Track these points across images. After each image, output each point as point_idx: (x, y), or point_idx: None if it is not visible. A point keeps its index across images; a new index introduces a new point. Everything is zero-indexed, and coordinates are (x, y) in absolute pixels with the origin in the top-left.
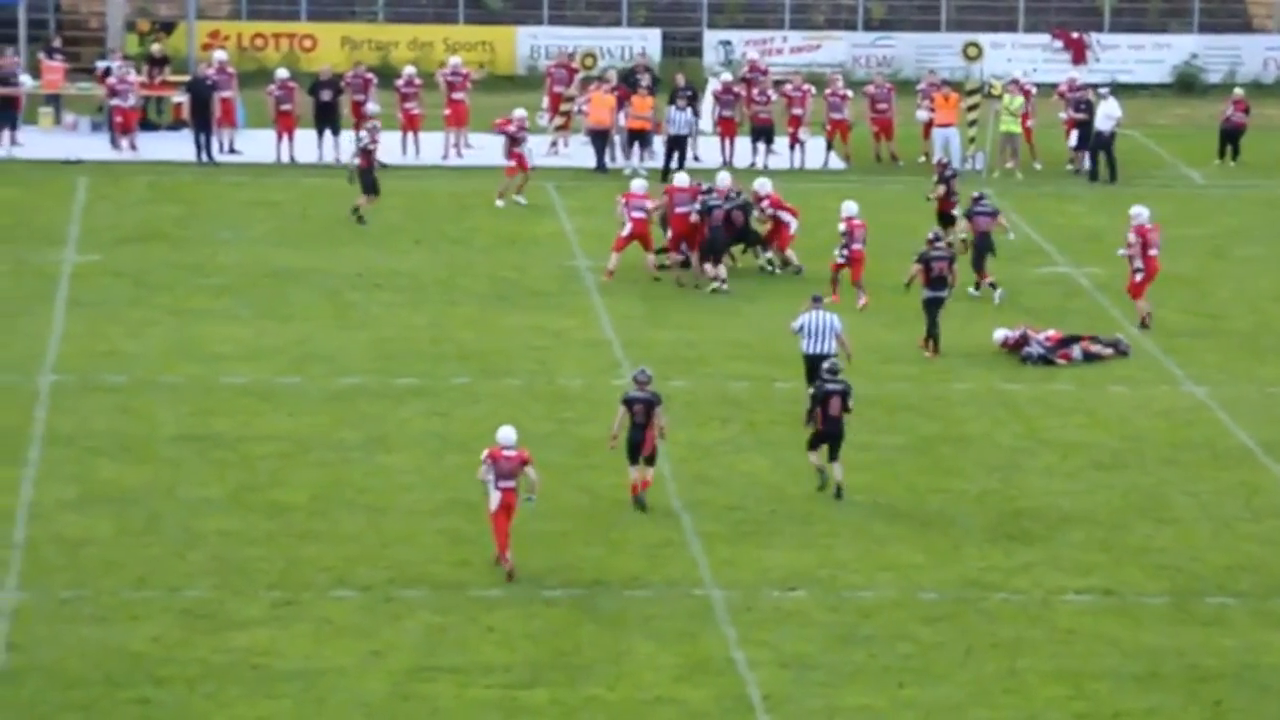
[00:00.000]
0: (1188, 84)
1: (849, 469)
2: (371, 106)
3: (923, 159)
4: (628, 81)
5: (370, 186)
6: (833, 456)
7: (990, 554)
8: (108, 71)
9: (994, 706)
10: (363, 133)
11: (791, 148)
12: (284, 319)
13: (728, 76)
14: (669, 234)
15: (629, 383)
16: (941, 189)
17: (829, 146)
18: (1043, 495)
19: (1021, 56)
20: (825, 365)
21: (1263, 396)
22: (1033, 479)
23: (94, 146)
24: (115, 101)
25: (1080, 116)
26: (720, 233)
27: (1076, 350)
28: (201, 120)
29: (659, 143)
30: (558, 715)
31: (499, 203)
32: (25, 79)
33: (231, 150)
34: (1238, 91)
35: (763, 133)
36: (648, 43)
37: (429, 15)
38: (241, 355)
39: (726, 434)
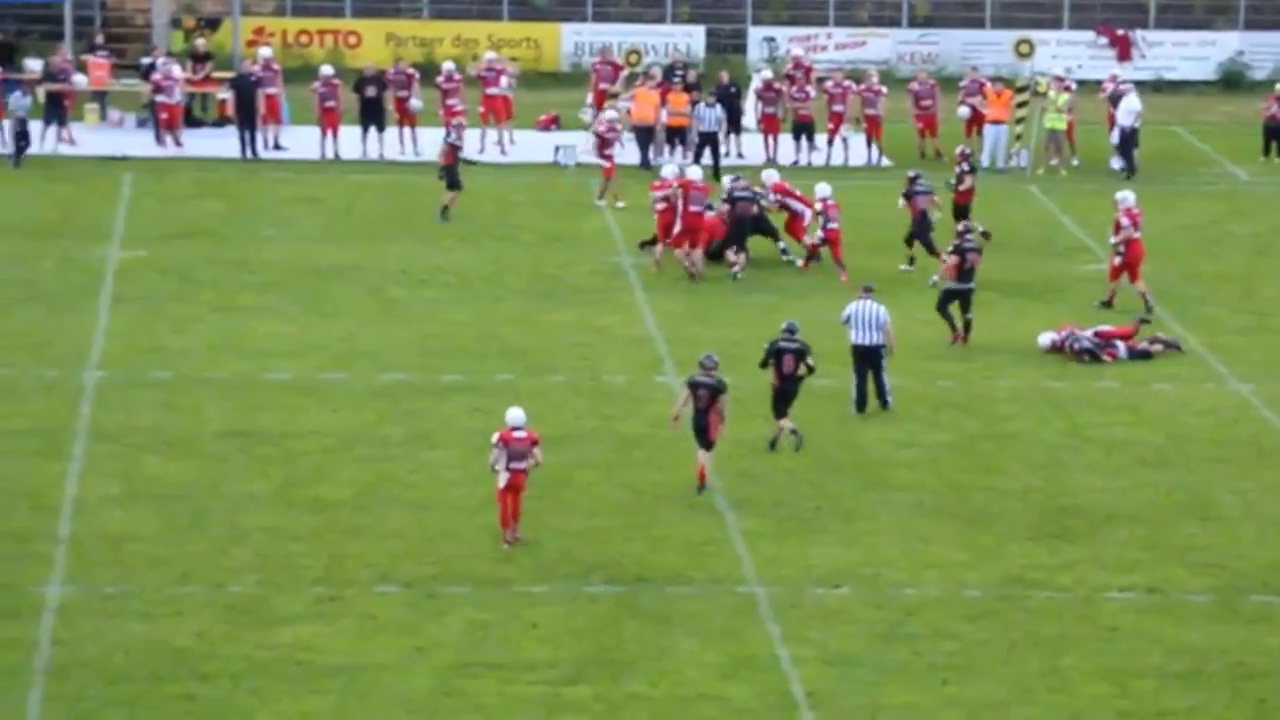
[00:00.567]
0: (1233, 81)
1: (892, 466)
2: (415, 103)
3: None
4: (670, 78)
5: (453, 183)
6: (782, 414)
7: (1034, 551)
8: (152, 68)
9: (1037, 704)
10: (450, 129)
11: (830, 144)
12: (328, 315)
13: (769, 74)
14: (677, 228)
15: (670, 380)
16: (969, 180)
17: (869, 143)
18: (1087, 493)
19: (1066, 53)
20: (784, 325)
21: None
22: (1077, 476)
23: (139, 143)
24: (160, 98)
25: None
26: (746, 223)
27: (1122, 348)
28: (246, 117)
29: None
30: (600, 712)
31: (599, 203)
32: (79, 78)
33: (276, 146)
34: None
35: (804, 129)
36: (692, 39)
37: (473, 12)
38: (286, 351)
39: (770, 431)
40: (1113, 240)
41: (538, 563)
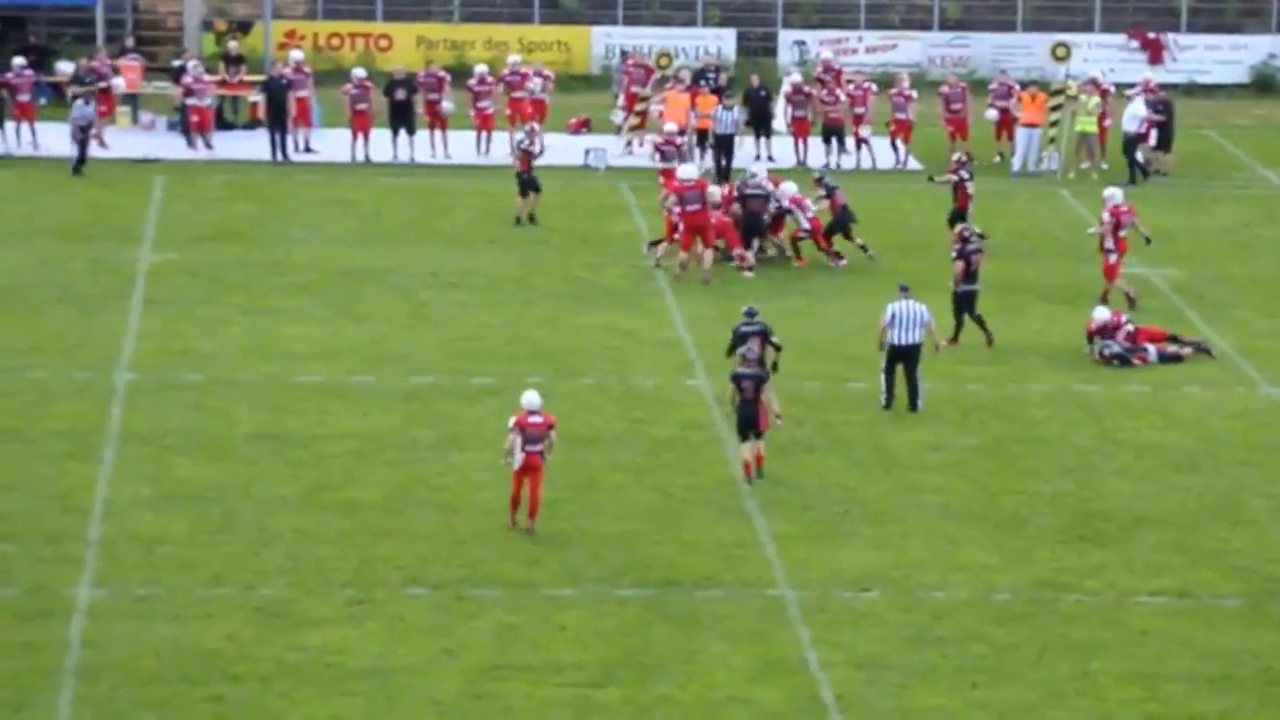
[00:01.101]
0: (1265, 84)
1: (922, 469)
2: (447, 105)
3: (997, 159)
4: (701, 81)
5: (529, 186)
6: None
7: (1064, 555)
8: (183, 71)
9: (1067, 708)
10: (520, 135)
11: (858, 147)
12: (359, 318)
13: (798, 77)
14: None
15: (700, 383)
16: (969, 186)
17: (894, 146)
18: (1117, 497)
19: (1098, 57)
20: (745, 308)
21: None
22: (1107, 480)
23: (170, 146)
24: (191, 101)
25: (1158, 118)
26: (757, 220)
27: (1153, 351)
28: (277, 119)
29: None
30: (630, 715)
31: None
32: (118, 81)
33: (307, 149)
34: None
35: (834, 133)
36: (722, 42)
37: (504, 15)
38: (316, 354)
39: (800, 434)
40: (1091, 231)
41: (567, 565)
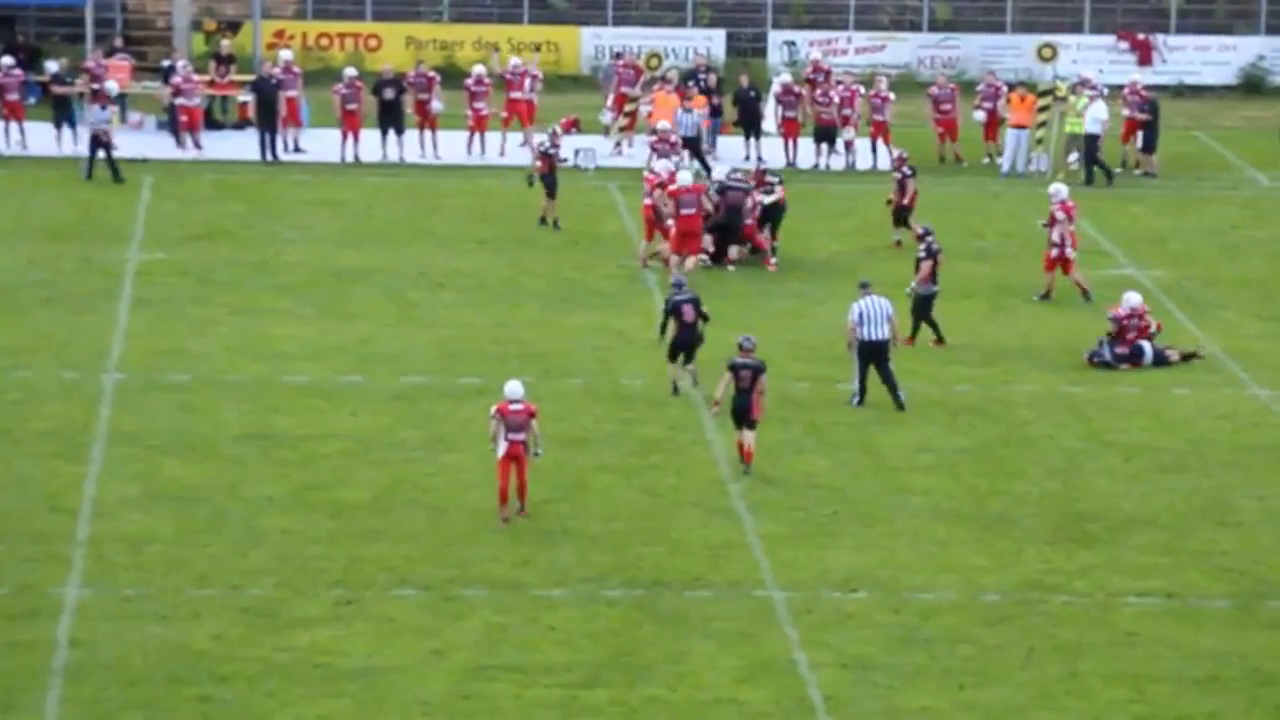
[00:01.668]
0: (1254, 86)
1: (910, 471)
2: (436, 105)
3: (986, 160)
4: (689, 82)
5: (551, 190)
6: (687, 361)
7: (1052, 556)
8: (172, 71)
9: (1055, 709)
10: (543, 136)
11: (847, 149)
12: (347, 318)
13: (788, 78)
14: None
15: (688, 385)
16: (912, 185)
17: (873, 148)
18: (1105, 498)
19: (1087, 58)
20: (674, 279)
21: None
22: (1095, 481)
23: (159, 145)
24: (180, 100)
25: (1144, 118)
26: (736, 212)
27: (1149, 352)
28: (267, 119)
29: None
30: (618, 715)
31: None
32: (110, 83)
33: (296, 149)
34: None
35: (825, 134)
36: (712, 43)
37: (493, 15)
38: (304, 354)
39: (788, 435)
40: (1042, 223)
41: (555, 566)
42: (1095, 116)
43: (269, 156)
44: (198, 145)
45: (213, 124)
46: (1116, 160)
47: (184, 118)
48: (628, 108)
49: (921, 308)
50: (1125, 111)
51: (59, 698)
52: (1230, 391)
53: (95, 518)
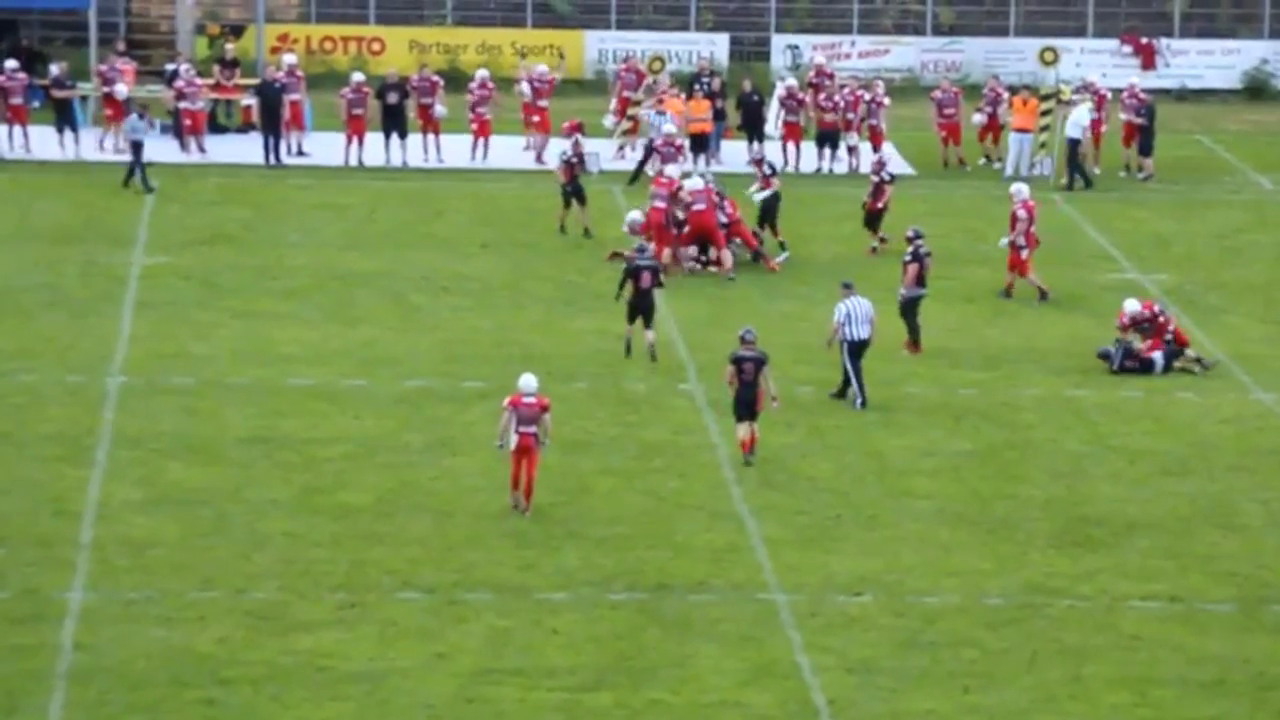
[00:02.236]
0: (1257, 89)
1: (914, 474)
2: (440, 109)
3: (983, 162)
4: (694, 86)
5: (576, 197)
6: (646, 325)
7: (1056, 560)
8: (175, 74)
9: (1059, 713)
10: (566, 145)
11: (850, 153)
12: (351, 322)
13: (793, 82)
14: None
15: (692, 388)
16: (888, 190)
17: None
18: (1109, 502)
19: (1091, 62)
20: (637, 244)
21: None
22: (1099, 485)
23: (163, 149)
24: (183, 104)
25: (1140, 122)
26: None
27: (1159, 360)
28: (271, 123)
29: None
30: (621, 719)
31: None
32: (120, 87)
33: (300, 153)
34: None
35: (827, 137)
36: (716, 47)
37: (497, 19)
38: (308, 358)
39: (792, 438)
40: (1010, 234)
41: (559, 569)
42: (1076, 121)
43: (272, 160)
44: (201, 149)
45: (216, 128)
46: (1119, 163)
47: (187, 121)
48: (631, 111)
49: (905, 311)
50: (1123, 115)
51: (63, 701)
52: (1234, 395)
53: (99, 521)
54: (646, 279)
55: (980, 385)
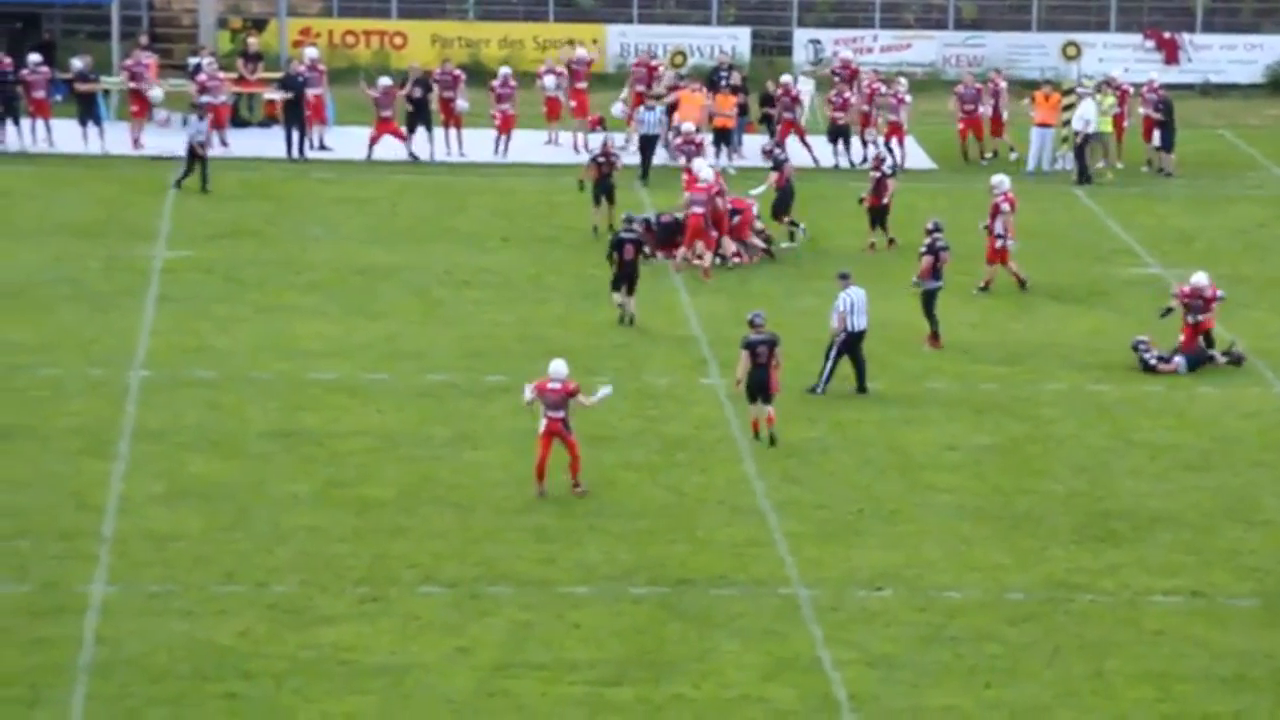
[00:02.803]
0: None
1: (935, 469)
2: (461, 104)
3: (991, 155)
4: (712, 80)
5: (607, 196)
6: (629, 292)
7: (1078, 555)
8: (198, 68)
9: (1081, 708)
10: (592, 144)
11: (864, 146)
12: (373, 316)
13: (787, 78)
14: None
15: (715, 382)
16: (890, 185)
17: (889, 148)
18: (1131, 496)
19: (1114, 56)
20: (624, 215)
21: None
22: (1121, 480)
23: (184, 143)
24: (206, 98)
25: (1159, 117)
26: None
27: (1181, 362)
28: (295, 117)
29: (748, 140)
30: (643, 713)
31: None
32: (157, 92)
33: (322, 147)
34: None
35: (839, 133)
36: (737, 41)
37: (519, 13)
38: (330, 352)
39: (813, 433)
40: (993, 226)
41: (581, 564)
42: (1082, 115)
43: (295, 154)
44: (224, 143)
45: (239, 122)
46: (1141, 158)
47: (210, 115)
48: (646, 104)
49: (924, 303)
50: (1142, 110)
51: (85, 694)
52: (1257, 390)
53: (121, 514)
54: (629, 251)
55: (1002, 380)
